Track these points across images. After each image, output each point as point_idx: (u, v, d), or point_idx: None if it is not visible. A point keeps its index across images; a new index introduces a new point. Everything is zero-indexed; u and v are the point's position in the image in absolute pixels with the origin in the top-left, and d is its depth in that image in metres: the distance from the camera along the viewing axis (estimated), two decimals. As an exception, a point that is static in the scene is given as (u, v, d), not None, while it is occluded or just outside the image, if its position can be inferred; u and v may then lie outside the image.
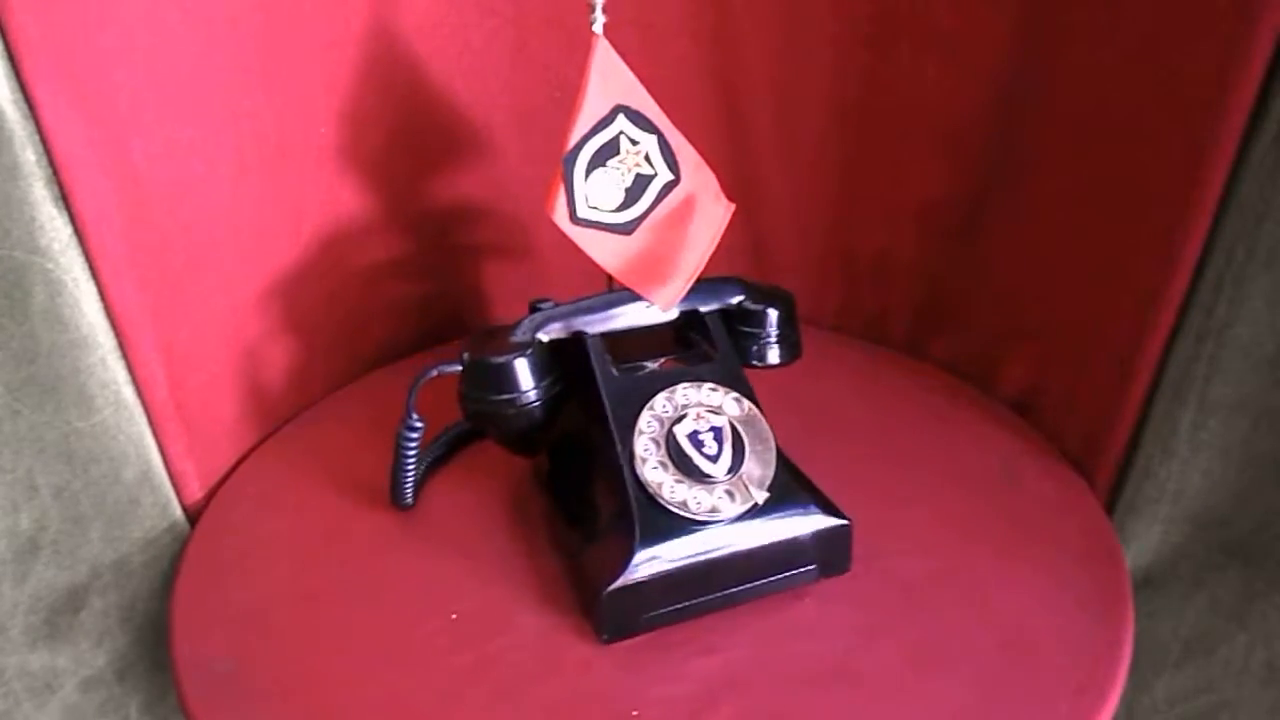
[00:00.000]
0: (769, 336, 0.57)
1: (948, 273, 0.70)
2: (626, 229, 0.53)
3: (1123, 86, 0.55)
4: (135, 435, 0.54)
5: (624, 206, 0.53)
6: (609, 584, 0.47)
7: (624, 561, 0.47)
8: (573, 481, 0.55)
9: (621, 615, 0.48)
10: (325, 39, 0.61)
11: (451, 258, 0.74)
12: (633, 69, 0.52)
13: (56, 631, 0.53)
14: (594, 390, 0.51)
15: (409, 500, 0.58)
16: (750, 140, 0.72)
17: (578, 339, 0.53)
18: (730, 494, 0.49)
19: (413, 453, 0.56)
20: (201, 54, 0.55)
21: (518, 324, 0.54)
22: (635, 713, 0.45)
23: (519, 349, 0.52)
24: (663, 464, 0.49)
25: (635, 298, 0.54)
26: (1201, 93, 0.49)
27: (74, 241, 0.49)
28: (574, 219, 0.51)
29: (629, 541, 0.47)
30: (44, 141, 0.46)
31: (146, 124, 0.52)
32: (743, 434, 0.50)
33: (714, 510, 0.48)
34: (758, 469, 0.49)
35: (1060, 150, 0.60)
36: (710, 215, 0.55)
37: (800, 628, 0.50)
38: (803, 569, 0.51)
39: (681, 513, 0.48)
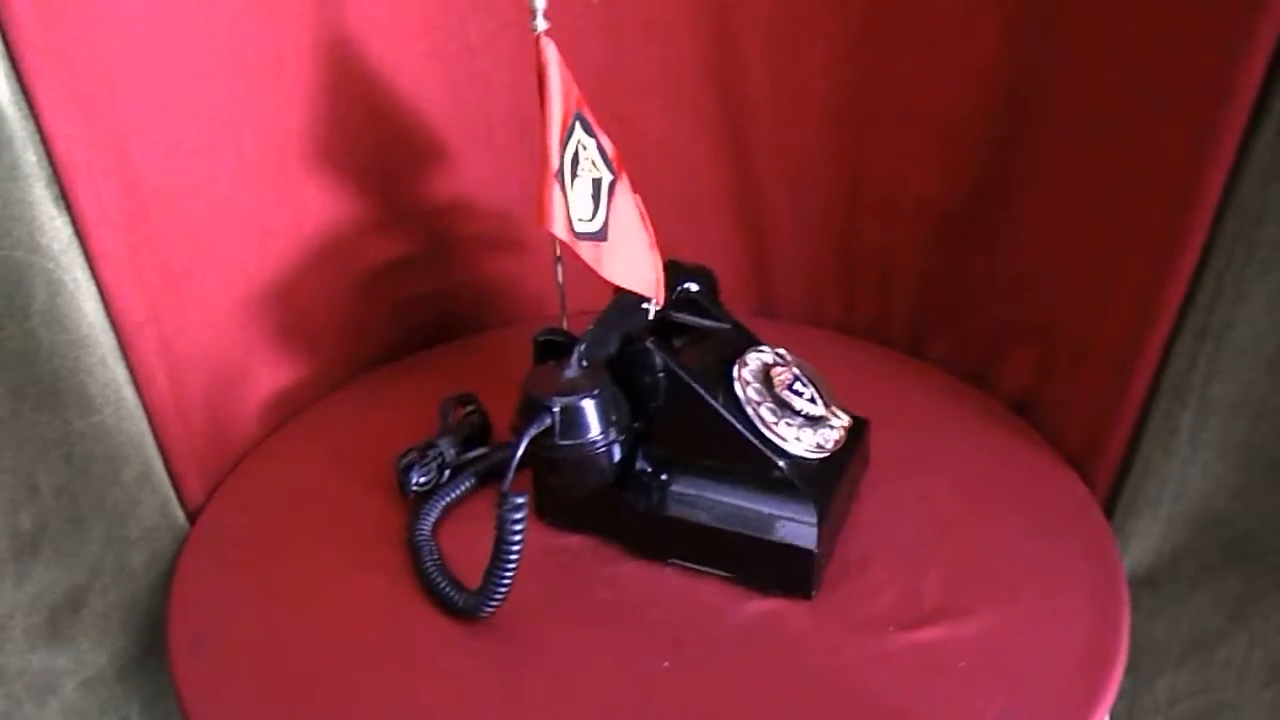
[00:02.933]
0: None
1: (948, 273, 0.70)
2: (602, 235, 0.52)
3: (1122, 86, 0.55)
4: (135, 435, 0.54)
5: (594, 214, 0.52)
6: (814, 541, 0.50)
7: (817, 516, 0.50)
8: (686, 478, 0.53)
9: (820, 567, 0.51)
10: (325, 39, 0.61)
11: (451, 257, 0.74)
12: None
13: (56, 631, 0.53)
14: (685, 389, 0.51)
15: (497, 604, 0.49)
16: (750, 140, 0.72)
17: (627, 354, 0.52)
18: (831, 424, 0.53)
19: (520, 542, 0.48)
20: (201, 54, 0.55)
21: (571, 359, 0.51)
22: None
23: (595, 381, 0.50)
24: (787, 423, 0.52)
25: (637, 300, 0.54)
26: (1202, 92, 0.49)
27: (74, 241, 0.49)
28: (572, 232, 0.50)
29: (804, 501, 0.50)
30: (44, 142, 0.46)
31: (146, 124, 0.52)
32: (807, 372, 0.55)
33: (837, 441, 0.53)
34: (830, 394, 0.55)
35: (1060, 150, 0.60)
36: (634, 201, 0.55)
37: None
38: None
39: (818, 454, 0.52)
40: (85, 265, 0.50)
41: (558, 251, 0.51)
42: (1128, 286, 0.56)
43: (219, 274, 0.59)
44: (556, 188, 0.49)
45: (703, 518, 0.52)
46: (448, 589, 0.50)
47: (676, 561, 0.54)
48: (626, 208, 0.54)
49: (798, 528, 0.50)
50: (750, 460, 0.51)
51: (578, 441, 0.49)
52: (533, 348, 0.55)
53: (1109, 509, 0.59)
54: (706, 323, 0.57)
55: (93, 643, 0.55)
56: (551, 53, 0.48)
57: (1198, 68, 0.50)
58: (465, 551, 0.52)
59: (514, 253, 0.76)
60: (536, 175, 0.49)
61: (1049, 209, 0.62)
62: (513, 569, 0.48)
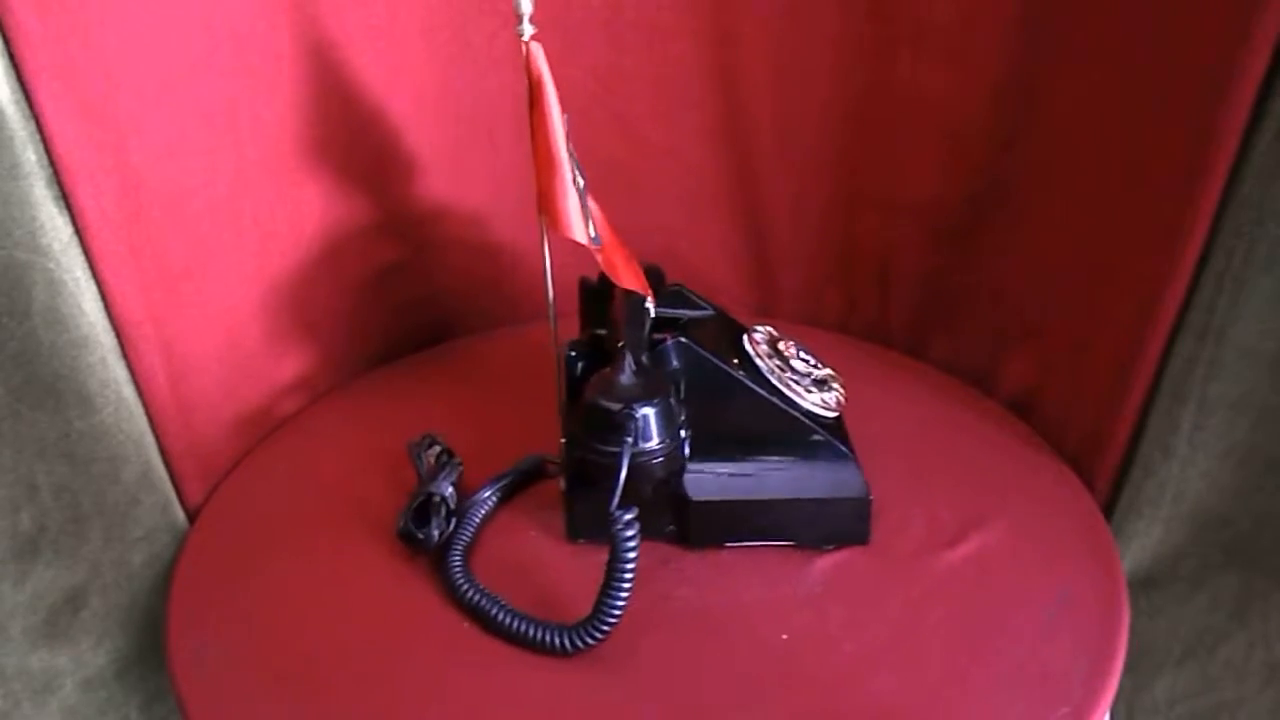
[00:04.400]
0: None
1: (948, 273, 0.70)
2: (598, 240, 0.52)
3: (1122, 87, 0.55)
4: (135, 435, 0.54)
5: (588, 220, 0.51)
6: (866, 489, 0.53)
7: (857, 471, 0.53)
8: (731, 460, 0.54)
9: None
10: (325, 39, 0.61)
11: (451, 258, 0.74)
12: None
13: (56, 631, 0.53)
14: (719, 374, 0.53)
15: (609, 630, 0.47)
16: (750, 140, 0.72)
17: (660, 351, 0.54)
18: (833, 385, 0.56)
19: (635, 559, 0.46)
20: (201, 54, 0.55)
21: (623, 365, 0.50)
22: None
23: (660, 383, 0.50)
24: (805, 388, 0.54)
25: (639, 299, 0.55)
26: (1202, 92, 0.49)
27: (74, 241, 0.49)
28: (590, 238, 0.50)
29: (845, 456, 0.54)
30: (45, 141, 0.46)
31: (146, 124, 0.52)
32: (795, 341, 0.58)
33: (840, 401, 0.56)
34: (820, 358, 0.58)
35: (1060, 150, 0.60)
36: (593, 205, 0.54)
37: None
38: None
39: (834, 413, 0.55)
40: (85, 265, 0.50)
41: (547, 254, 0.51)
42: (1128, 286, 0.56)
43: (219, 274, 0.59)
44: (574, 193, 0.48)
45: (760, 494, 0.53)
46: (544, 634, 0.47)
47: (734, 544, 0.54)
48: (598, 211, 0.54)
49: (847, 481, 0.53)
50: (789, 429, 0.53)
51: (660, 444, 0.49)
52: (563, 362, 0.54)
53: (1109, 509, 0.59)
54: (698, 312, 0.58)
55: (92, 643, 0.55)
56: (542, 58, 0.48)
57: (1198, 68, 0.50)
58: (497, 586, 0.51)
59: (514, 254, 0.76)
60: (535, 180, 0.49)
61: (1049, 209, 0.62)
62: (629, 589, 0.46)
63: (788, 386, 0.54)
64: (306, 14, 0.60)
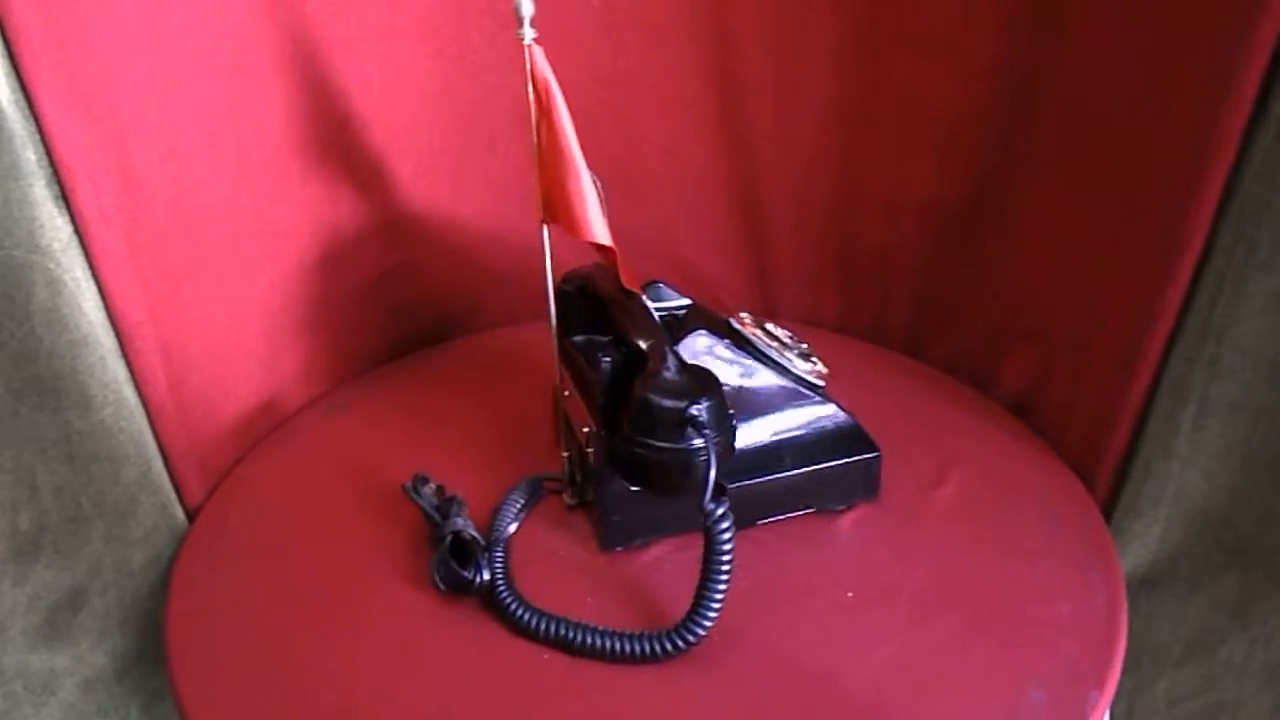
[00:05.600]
0: None
1: (948, 273, 0.70)
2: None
3: (1122, 86, 0.55)
4: (135, 435, 0.54)
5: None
6: (875, 445, 0.56)
7: (863, 430, 0.56)
8: (749, 441, 0.54)
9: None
10: (325, 40, 0.61)
11: (450, 258, 0.74)
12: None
13: (56, 631, 0.53)
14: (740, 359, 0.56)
15: (709, 626, 0.47)
16: (750, 140, 0.72)
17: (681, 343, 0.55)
18: (813, 355, 0.58)
19: (732, 550, 0.46)
20: (201, 54, 0.55)
21: (666, 363, 0.50)
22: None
23: (709, 376, 0.50)
24: (797, 360, 0.56)
25: (638, 295, 0.55)
26: (1202, 92, 0.49)
27: (74, 241, 0.49)
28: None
29: (848, 418, 0.56)
30: (44, 141, 0.46)
31: (146, 124, 0.52)
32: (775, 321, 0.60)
33: (821, 372, 0.57)
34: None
35: (1060, 151, 0.60)
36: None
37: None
38: None
39: (823, 380, 0.57)
40: (85, 265, 0.50)
41: (547, 255, 0.51)
42: (1128, 286, 0.56)
43: (219, 274, 0.59)
44: (593, 196, 0.48)
45: (783, 469, 0.55)
46: (641, 644, 0.47)
47: (764, 520, 0.55)
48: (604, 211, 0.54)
49: (854, 441, 0.56)
50: (796, 400, 0.55)
51: (720, 436, 0.49)
52: (603, 368, 0.53)
53: (1109, 509, 0.59)
54: (682, 302, 0.59)
55: (92, 643, 0.55)
56: (545, 61, 0.48)
57: (1198, 67, 0.50)
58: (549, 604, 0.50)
59: (514, 254, 0.76)
60: (540, 183, 0.49)
61: (1049, 209, 0.62)
62: (728, 579, 0.46)
63: (785, 359, 0.56)
64: (306, 14, 0.60)
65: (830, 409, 0.56)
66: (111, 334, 0.52)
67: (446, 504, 0.54)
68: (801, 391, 0.55)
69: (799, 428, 0.55)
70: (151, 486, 0.56)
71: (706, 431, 0.47)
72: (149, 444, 0.55)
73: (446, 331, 0.77)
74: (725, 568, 0.46)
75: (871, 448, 0.56)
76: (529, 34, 0.46)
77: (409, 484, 0.55)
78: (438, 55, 0.67)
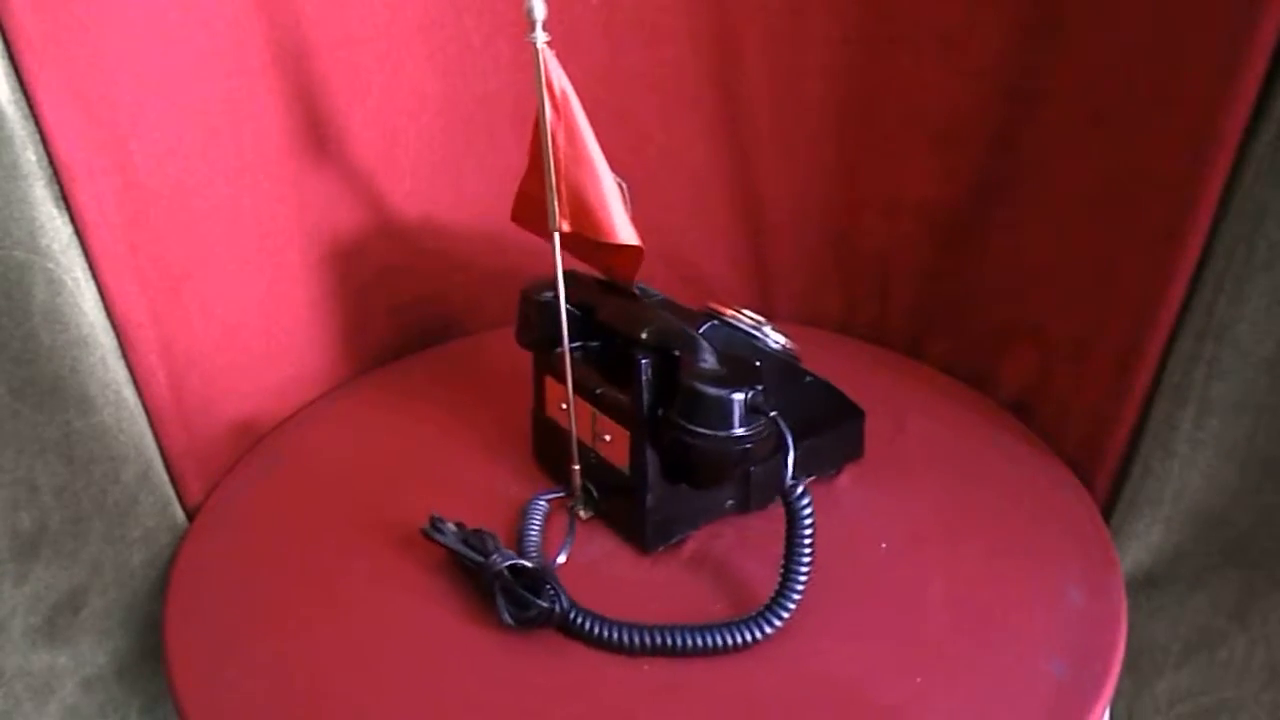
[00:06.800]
0: None
1: (947, 273, 0.70)
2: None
3: (1122, 87, 0.55)
4: (135, 435, 0.54)
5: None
6: (858, 406, 0.59)
7: (844, 394, 0.59)
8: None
9: None
10: (326, 39, 0.61)
11: (450, 258, 0.74)
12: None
13: (56, 631, 0.53)
14: (746, 344, 0.56)
15: (795, 606, 0.47)
16: (750, 140, 0.72)
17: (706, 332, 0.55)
18: (781, 332, 0.58)
19: (814, 526, 0.47)
20: (201, 54, 0.55)
21: (702, 354, 0.50)
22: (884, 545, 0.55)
23: (746, 363, 0.51)
24: (769, 335, 0.56)
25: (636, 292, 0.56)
26: (1202, 92, 0.49)
27: (74, 241, 0.49)
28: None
29: (828, 384, 0.58)
30: (44, 141, 0.46)
31: (146, 124, 0.52)
32: None
33: (786, 345, 0.58)
34: None
35: (1060, 151, 0.60)
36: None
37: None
38: None
39: (794, 350, 0.57)
40: (85, 265, 0.50)
41: (558, 258, 0.51)
42: (1128, 286, 0.56)
43: (219, 274, 0.59)
44: (617, 196, 0.48)
45: (789, 444, 0.53)
46: (723, 635, 0.47)
47: (773, 503, 0.55)
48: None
49: (841, 404, 0.59)
50: (786, 375, 0.56)
51: (768, 421, 0.49)
52: (642, 370, 0.52)
53: (1109, 509, 0.59)
54: (657, 296, 0.59)
55: (92, 643, 0.55)
56: (557, 64, 0.48)
57: (1198, 68, 0.50)
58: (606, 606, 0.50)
59: (514, 254, 0.76)
60: (557, 185, 0.48)
61: (1049, 209, 0.62)
62: (812, 555, 0.48)
63: (772, 339, 0.56)
64: (306, 15, 0.60)
65: (816, 379, 0.57)
66: (111, 334, 0.52)
67: (478, 539, 0.52)
68: (792, 366, 0.56)
69: (797, 401, 0.54)
70: (151, 486, 0.56)
71: (772, 413, 0.48)
72: (149, 444, 0.55)
73: (447, 331, 0.77)
74: (809, 543, 0.47)
75: (857, 410, 0.59)
76: (541, 37, 0.46)
77: (427, 527, 0.53)
78: (438, 55, 0.67)
